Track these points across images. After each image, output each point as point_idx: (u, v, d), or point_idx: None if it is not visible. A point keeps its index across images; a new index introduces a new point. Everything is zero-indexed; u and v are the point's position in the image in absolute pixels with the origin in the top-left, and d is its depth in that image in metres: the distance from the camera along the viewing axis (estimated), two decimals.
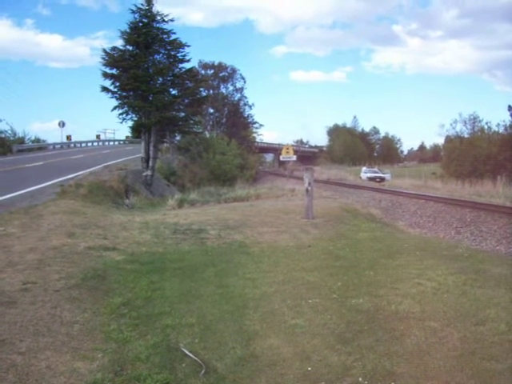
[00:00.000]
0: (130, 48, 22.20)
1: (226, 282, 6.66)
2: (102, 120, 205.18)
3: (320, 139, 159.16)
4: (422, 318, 5.25)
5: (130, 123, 23.98)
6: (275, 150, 79.09)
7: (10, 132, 40.23)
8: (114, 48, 22.16)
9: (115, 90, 22.10)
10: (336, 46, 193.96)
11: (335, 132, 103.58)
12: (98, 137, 66.42)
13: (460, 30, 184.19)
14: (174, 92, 23.66)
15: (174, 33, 22.72)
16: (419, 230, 14.44)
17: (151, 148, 22.55)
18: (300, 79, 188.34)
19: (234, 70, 69.02)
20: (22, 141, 41.06)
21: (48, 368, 3.84)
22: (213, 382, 3.91)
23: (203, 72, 64.02)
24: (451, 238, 13.17)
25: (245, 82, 70.45)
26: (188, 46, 22.96)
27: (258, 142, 77.45)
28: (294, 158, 50.81)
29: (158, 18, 22.26)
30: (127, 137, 67.07)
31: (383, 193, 25.19)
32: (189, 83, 23.74)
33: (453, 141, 46.95)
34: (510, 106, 45.39)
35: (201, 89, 29.45)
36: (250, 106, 71.73)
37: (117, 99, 22.16)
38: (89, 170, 21.56)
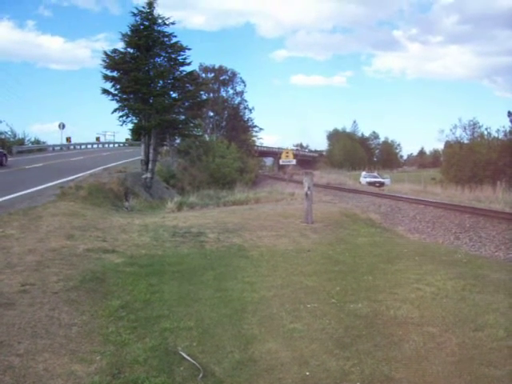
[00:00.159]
0: (131, 50, 22.24)
1: (225, 286, 6.65)
2: (102, 122, 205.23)
3: (320, 143, 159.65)
4: (421, 324, 5.25)
5: (130, 126, 24.05)
6: (275, 153, 79.17)
7: (10, 133, 40.37)
8: (114, 50, 22.22)
9: (116, 92, 22.14)
10: (336, 51, 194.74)
11: (335, 136, 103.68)
12: (97, 139, 66.58)
13: (460, 36, 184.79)
14: (174, 95, 23.71)
15: (175, 36, 22.80)
16: (418, 235, 14.44)
17: (151, 151, 22.56)
18: (300, 83, 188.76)
19: (234, 74, 69.21)
20: (21, 142, 41.14)
21: (46, 370, 3.84)
22: None
23: (204, 75, 64.17)
24: (450, 244, 13.18)
25: (245, 86, 70.70)
26: (189, 49, 23.05)
27: (257, 146, 77.48)
28: (294, 162, 50.79)
29: (159, 21, 22.31)
30: (127, 139, 67.16)
31: (382, 198, 25.19)
32: (189, 86, 23.79)
33: (452, 146, 46.95)
34: (509, 112, 45.46)
35: (201, 92, 29.47)
36: (250, 110, 71.91)
37: (117, 101, 22.22)
38: (88, 172, 21.56)
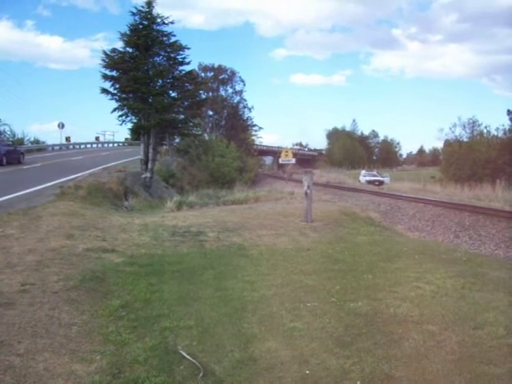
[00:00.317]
0: (130, 50, 22.22)
1: (225, 285, 6.65)
2: (101, 122, 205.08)
3: (319, 142, 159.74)
4: (421, 322, 5.26)
5: (130, 125, 24.05)
6: (274, 152, 79.18)
7: (9, 133, 40.31)
8: (113, 50, 22.19)
9: (115, 91, 22.12)
10: (336, 50, 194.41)
11: (334, 135, 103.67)
12: (97, 138, 66.52)
13: (459, 35, 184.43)
14: (173, 94, 23.69)
15: (174, 35, 22.78)
16: (418, 233, 14.43)
17: (150, 150, 22.55)
18: (300, 82, 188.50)
19: (233, 73, 69.21)
20: (21, 142, 41.06)
21: (46, 370, 3.84)
22: None
23: (203, 74, 64.11)
24: (450, 242, 13.17)
25: (244, 85, 70.68)
26: (188, 48, 23.02)
27: (257, 145, 77.50)
28: (293, 161, 50.76)
29: (158, 20, 22.28)
30: (126, 139, 67.12)
31: (382, 196, 25.18)
32: (188, 86, 23.76)
33: (452, 145, 46.95)
34: (509, 111, 45.52)
35: (200, 91, 29.47)
36: (250, 109, 71.93)
37: (116, 101, 22.20)
38: (88, 172, 21.56)
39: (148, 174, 22.29)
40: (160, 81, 22.79)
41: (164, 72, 22.47)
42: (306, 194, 13.03)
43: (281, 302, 5.98)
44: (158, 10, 22.64)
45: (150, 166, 22.42)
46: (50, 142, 49.12)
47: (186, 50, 22.91)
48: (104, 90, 21.93)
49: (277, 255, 8.80)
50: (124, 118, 22.32)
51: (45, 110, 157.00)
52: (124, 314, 5.30)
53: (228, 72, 68.93)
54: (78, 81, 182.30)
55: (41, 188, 15.16)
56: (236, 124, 67.06)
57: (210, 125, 65.31)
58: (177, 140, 41.64)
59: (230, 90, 69.88)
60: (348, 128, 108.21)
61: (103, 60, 21.66)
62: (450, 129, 48.23)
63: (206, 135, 54.54)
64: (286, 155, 43.90)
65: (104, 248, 8.32)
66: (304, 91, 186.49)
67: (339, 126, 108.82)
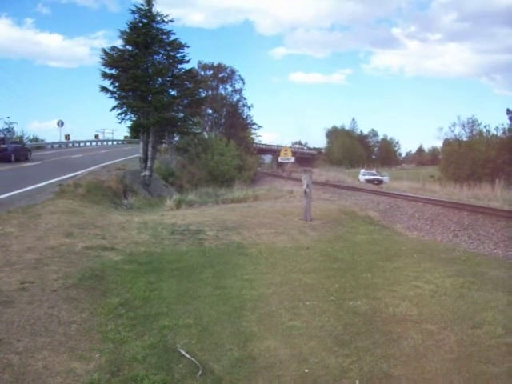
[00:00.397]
0: (130, 48, 22.24)
1: (224, 283, 6.66)
2: (100, 120, 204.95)
3: (318, 141, 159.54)
4: (420, 321, 5.26)
5: (129, 123, 24.04)
6: (273, 151, 79.08)
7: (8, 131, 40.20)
8: (113, 48, 22.23)
9: (114, 90, 22.15)
10: (335, 48, 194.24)
11: (334, 134, 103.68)
12: (96, 137, 66.42)
13: (459, 34, 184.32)
14: (173, 92, 23.71)
15: (174, 33, 22.82)
16: (417, 232, 14.46)
17: (150, 148, 22.55)
18: (299, 81, 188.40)
19: (233, 71, 69.15)
20: (20, 140, 41.02)
21: (45, 368, 3.84)
22: (210, 383, 3.91)
23: (202, 73, 64.06)
24: (449, 241, 13.20)
25: (244, 83, 70.63)
26: (187, 46, 23.04)
27: (256, 144, 77.45)
28: (293, 159, 50.61)
29: (158, 18, 22.32)
30: (126, 137, 67.09)
31: (381, 195, 25.21)
32: (188, 84, 23.77)
33: (451, 144, 46.91)
34: (508, 110, 45.51)
35: (200, 90, 29.46)
36: (249, 107, 71.88)
37: (116, 99, 22.21)
38: (87, 170, 21.55)
39: (147, 173, 22.29)
40: (159, 79, 22.81)
41: (163, 70, 22.48)
42: (305, 192, 13.04)
43: (280, 300, 5.98)
44: (157, 8, 22.80)
45: (149, 164, 22.43)
46: (49, 140, 49.21)
47: (185, 48, 22.98)
48: (103, 88, 21.94)
49: (276, 254, 8.81)
50: (123, 116, 22.38)
51: (44, 107, 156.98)
52: (123, 312, 5.30)
53: (227, 70, 68.89)
54: (77, 79, 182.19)
55: (40, 186, 15.13)
56: (235, 122, 67.01)
57: (210, 123, 65.26)
58: (176, 138, 41.61)
59: (230, 89, 69.88)
60: (347, 127, 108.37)
61: (103, 58, 21.71)
62: (450, 128, 48.20)
63: (205, 133, 54.50)
64: (286, 154, 43.86)
65: (103, 246, 8.32)
66: (303, 90, 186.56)
67: (338, 125, 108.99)
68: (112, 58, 21.72)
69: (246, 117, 72.19)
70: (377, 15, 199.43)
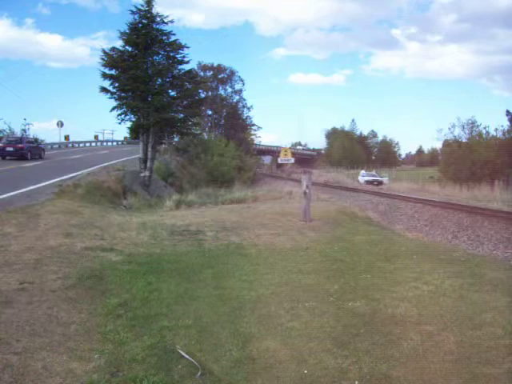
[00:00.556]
0: (130, 49, 22.20)
1: (223, 284, 6.66)
2: (100, 120, 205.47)
3: (318, 142, 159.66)
4: (419, 322, 5.26)
5: (129, 124, 24.03)
6: (273, 152, 79.12)
7: (8, 131, 40.30)
8: (113, 48, 22.18)
9: (114, 90, 22.10)
10: (335, 49, 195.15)
11: (333, 135, 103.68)
12: (96, 137, 66.48)
13: (459, 35, 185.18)
14: (172, 93, 23.66)
15: (174, 34, 22.77)
16: (416, 233, 14.44)
17: (149, 149, 22.53)
18: (299, 82, 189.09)
19: (232, 72, 68.96)
20: (35, 140, 41.02)
21: (44, 368, 3.84)
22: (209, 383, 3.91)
23: (202, 73, 63.88)
24: (448, 242, 13.19)
25: (243, 84, 70.44)
26: (187, 47, 22.99)
27: (256, 144, 77.42)
28: (292, 160, 50.86)
29: (158, 19, 22.27)
30: (125, 137, 67.09)
31: (381, 196, 25.21)
32: (188, 85, 23.72)
33: (451, 145, 46.81)
34: (507, 111, 45.55)
35: (199, 90, 29.42)
36: (249, 108, 71.66)
37: (116, 100, 22.16)
38: (87, 171, 21.55)
39: (147, 173, 22.27)
40: (159, 80, 22.78)
41: (163, 71, 22.45)
42: (304, 193, 13.04)
43: (279, 301, 5.98)
44: (157, 8, 22.78)
45: (148, 164, 22.40)
46: (48, 140, 49.09)
47: (185, 48, 22.93)
48: (103, 89, 21.91)
49: (275, 254, 8.81)
50: (123, 116, 22.31)
51: (44, 108, 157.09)
52: (122, 313, 5.30)
53: (227, 71, 68.73)
54: (77, 79, 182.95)
55: (40, 186, 15.13)
56: (235, 123, 66.88)
57: (209, 124, 65.17)
58: (176, 139, 41.58)
59: (230, 90, 69.67)
60: (347, 128, 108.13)
61: (103, 59, 21.65)
62: (449, 129, 47.94)
63: (205, 134, 54.47)
64: (285, 155, 43.93)
65: (102, 247, 8.32)
66: (303, 91, 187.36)
67: (338, 126, 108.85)
68: (112, 59, 21.69)
69: (246, 118, 72.07)
70: (377, 16, 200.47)
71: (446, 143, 49.55)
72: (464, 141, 45.57)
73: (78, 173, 20.22)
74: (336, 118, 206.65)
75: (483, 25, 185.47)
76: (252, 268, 7.66)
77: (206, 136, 52.77)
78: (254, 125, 74.51)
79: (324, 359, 4.34)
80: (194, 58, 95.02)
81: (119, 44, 22.63)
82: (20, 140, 29.64)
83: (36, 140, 35.37)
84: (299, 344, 4.68)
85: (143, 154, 22.72)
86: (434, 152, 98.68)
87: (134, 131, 25.42)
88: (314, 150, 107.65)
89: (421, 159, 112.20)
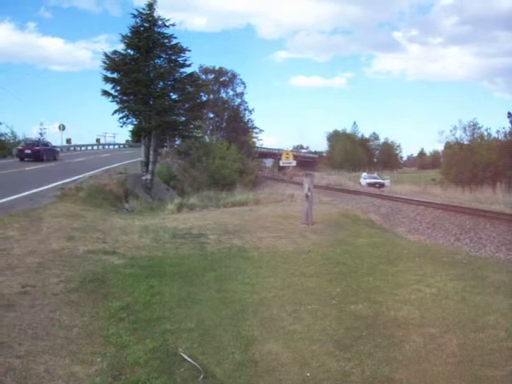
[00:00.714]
0: (131, 52, 22.26)
1: (225, 287, 6.65)
2: (102, 124, 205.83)
3: (320, 145, 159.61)
4: (421, 324, 5.25)
5: (131, 127, 24.07)
6: (275, 155, 79.11)
7: (10, 135, 40.55)
8: (115, 52, 22.23)
9: (116, 93, 22.16)
10: (336, 52, 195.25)
11: (335, 138, 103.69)
12: (97, 140, 66.55)
13: (460, 37, 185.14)
14: (174, 96, 23.72)
15: (175, 37, 22.83)
16: (418, 236, 14.43)
17: (151, 152, 22.57)
18: (300, 84, 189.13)
19: (234, 75, 69.07)
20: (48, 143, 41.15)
21: (46, 372, 3.84)
22: None
23: (204, 77, 63.98)
24: (450, 245, 13.18)
25: (245, 87, 70.50)
26: (189, 50, 23.07)
27: (257, 147, 77.43)
28: (294, 163, 50.88)
29: (159, 22, 22.33)
30: (127, 141, 67.15)
31: (383, 199, 25.19)
32: (189, 88, 23.77)
33: (452, 147, 46.84)
34: (509, 113, 45.41)
35: (201, 93, 29.46)
36: (250, 111, 71.74)
37: (117, 103, 22.21)
38: (88, 174, 21.58)
39: (148, 176, 22.30)
40: (161, 83, 22.83)
41: (165, 74, 22.50)
42: (306, 196, 13.04)
43: (281, 304, 5.97)
44: (159, 12, 22.82)
45: (150, 167, 22.43)
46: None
47: (186, 52, 23.01)
48: (105, 92, 21.97)
49: (277, 257, 8.80)
50: (125, 119, 22.37)
51: (46, 111, 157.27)
52: (125, 316, 5.29)
53: (229, 74, 68.83)
54: (79, 83, 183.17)
55: (42, 190, 15.16)
56: (237, 126, 66.94)
57: (211, 127, 65.21)
58: (177, 142, 41.62)
59: (231, 93, 69.77)
60: (349, 130, 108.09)
61: (104, 62, 21.71)
62: (451, 131, 47.96)
63: (206, 137, 54.51)
64: (287, 157, 43.92)
65: (104, 250, 8.32)
66: (305, 93, 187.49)
67: (340, 129, 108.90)
68: (114, 62, 21.74)
69: (248, 120, 72.12)
70: (378, 19, 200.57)
71: (448, 145, 49.58)
72: (466, 143, 45.60)
73: (80, 176, 20.25)
74: (338, 121, 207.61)
75: (484, 27, 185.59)
76: (254, 271, 7.65)
77: (207, 139, 52.82)
78: (255, 128, 74.63)
79: (326, 362, 4.34)
80: (196, 61, 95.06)
81: (121, 47, 22.68)
82: (37, 143, 32.42)
83: (49, 143, 36.77)
84: (301, 347, 4.67)
85: (145, 157, 22.75)
86: (435, 154, 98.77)
87: (136, 134, 25.42)
88: (315, 152, 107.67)
89: (422, 161, 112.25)
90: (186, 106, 24.08)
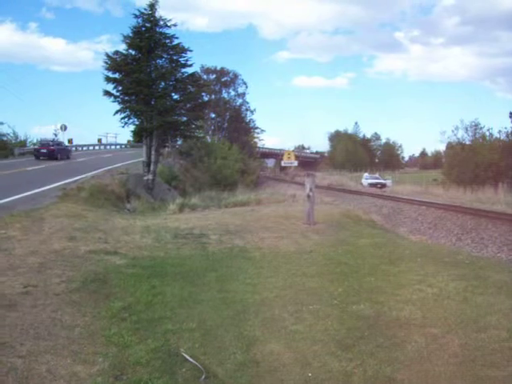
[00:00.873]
0: (133, 52, 22.26)
1: (227, 287, 6.65)
2: (103, 124, 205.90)
3: (321, 145, 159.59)
4: (423, 325, 5.25)
5: (132, 127, 24.12)
6: (276, 155, 79.11)
7: (11, 135, 40.67)
8: (116, 52, 22.22)
9: (117, 94, 22.17)
10: (338, 52, 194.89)
11: (336, 138, 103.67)
12: (99, 141, 66.64)
13: (462, 37, 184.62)
14: (176, 96, 23.71)
15: (177, 37, 22.84)
16: (420, 236, 14.41)
17: (153, 152, 22.57)
18: (302, 85, 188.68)
19: (235, 75, 69.06)
20: (23, 144, 41.36)
21: (48, 372, 3.84)
22: None
23: (205, 77, 63.94)
24: (452, 245, 13.16)
25: (247, 87, 70.50)
26: (190, 50, 23.06)
27: (259, 148, 77.43)
28: (296, 163, 50.83)
29: (161, 22, 22.33)
30: (129, 141, 67.23)
31: (384, 199, 25.17)
32: (191, 88, 23.77)
33: (454, 147, 46.71)
34: (511, 113, 45.31)
35: (203, 94, 29.46)
36: (252, 111, 71.72)
37: (119, 103, 22.23)
38: (90, 174, 21.59)
39: (150, 176, 22.30)
40: (162, 83, 22.83)
41: (166, 74, 22.51)
42: (308, 196, 13.03)
43: (283, 304, 5.97)
44: (160, 12, 22.76)
45: (152, 168, 22.43)
46: None
47: (188, 52, 23.00)
48: (107, 92, 21.98)
49: (279, 257, 8.80)
50: (126, 120, 22.38)
51: (47, 111, 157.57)
52: (126, 316, 5.30)
53: (230, 74, 68.81)
54: (80, 83, 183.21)
55: (43, 190, 15.18)
56: (238, 126, 66.92)
57: (213, 127, 65.20)
58: (179, 142, 41.64)
59: (233, 93, 69.75)
60: (350, 131, 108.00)
61: (106, 62, 21.73)
62: (453, 131, 47.81)
63: (208, 137, 54.50)
64: (289, 158, 43.91)
65: (106, 250, 8.33)
66: (306, 94, 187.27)
67: (341, 129, 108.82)
68: (115, 63, 21.76)
69: (249, 121, 72.11)
70: (380, 19, 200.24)
71: (450, 146, 49.48)
72: (467, 143, 45.49)
73: (82, 176, 20.27)
74: (339, 121, 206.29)
75: (486, 27, 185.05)
76: (256, 271, 7.65)
77: (209, 139, 52.77)
78: (257, 128, 74.67)
79: (328, 362, 4.33)
80: (197, 61, 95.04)
81: (122, 48, 22.63)
82: (51, 143, 34.40)
83: (62, 142, 39.18)
84: (303, 347, 4.67)
85: (146, 157, 22.76)
86: (437, 154, 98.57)
87: (138, 134, 25.53)
88: (317, 152, 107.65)
89: (424, 162, 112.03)
90: (188, 106, 24.08)
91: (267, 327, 5.18)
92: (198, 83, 25.36)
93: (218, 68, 67.89)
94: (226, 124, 67.31)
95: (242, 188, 29.28)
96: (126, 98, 22.33)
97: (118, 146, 67.31)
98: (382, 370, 4.18)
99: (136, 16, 22.14)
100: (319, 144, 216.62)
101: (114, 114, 22.20)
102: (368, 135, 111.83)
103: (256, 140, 76.05)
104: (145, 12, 22.12)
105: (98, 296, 5.92)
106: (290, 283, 6.97)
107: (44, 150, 32.86)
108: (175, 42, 22.71)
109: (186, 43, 23.57)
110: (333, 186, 37.89)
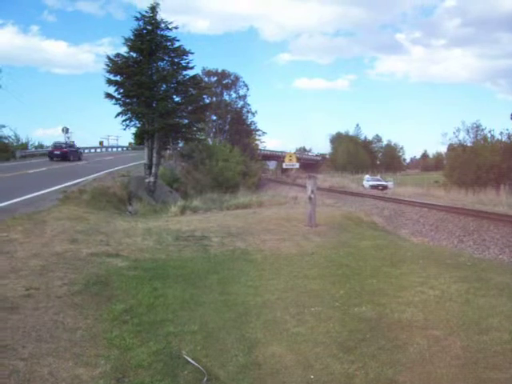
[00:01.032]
0: (134, 55, 22.29)
1: (229, 290, 6.65)
2: (105, 126, 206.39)
3: (323, 147, 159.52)
4: (425, 327, 5.24)
5: (134, 130, 24.13)
6: (278, 157, 79.15)
7: (13, 138, 40.74)
8: (117, 55, 22.27)
9: (119, 96, 22.18)
10: (339, 54, 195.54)
11: (338, 140, 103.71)
12: (101, 143, 66.77)
13: (463, 39, 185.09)
14: (177, 99, 23.72)
15: (178, 40, 22.86)
16: (422, 238, 14.41)
17: (154, 155, 22.59)
18: (303, 87, 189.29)
19: (237, 78, 69.14)
20: (25, 146, 41.50)
21: (50, 374, 3.84)
22: None
23: (206, 79, 64.02)
24: (454, 247, 13.16)
25: (248, 90, 70.57)
26: (192, 53, 23.08)
27: (260, 150, 77.50)
28: (297, 165, 50.80)
29: (162, 25, 22.36)
30: (130, 143, 67.33)
31: (386, 201, 25.18)
32: (192, 90, 23.80)
33: (456, 149, 46.72)
34: None
35: (204, 96, 29.50)
36: (253, 114, 71.80)
37: (120, 106, 22.25)
38: (92, 176, 21.63)
39: (152, 179, 22.31)
40: (164, 85, 22.85)
41: (168, 77, 22.53)
42: (309, 198, 13.03)
43: (285, 306, 5.97)
44: (162, 15, 22.79)
45: (153, 170, 22.44)
46: None
47: (189, 54, 23.01)
48: (108, 95, 22.01)
49: (281, 260, 8.80)
50: (128, 122, 22.40)
51: (49, 114, 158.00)
52: (128, 319, 5.30)
53: (232, 77, 68.89)
54: (82, 85, 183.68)
55: (45, 192, 15.19)
56: (240, 129, 66.96)
57: (214, 129, 65.27)
58: (181, 144, 41.68)
59: (234, 95, 69.82)
60: (351, 132, 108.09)
61: (107, 65, 21.76)
62: (454, 133, 47.82)
63: (209, 140, 54.55)
64: (290, 160, 43.95)
65: (108, 252, 8.33)
66: (307, 96, 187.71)
67: (343, 131, 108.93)
68: (117, 65, 21.79)
69: (251, 123, 72.18)
70: (381, 21, 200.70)
71: (451, 147, 49.48)
72: (469, 145, 45.49)
73: (84, 179, 20.31)
74: (340, 123, 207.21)
75: (487, 29, 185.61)
76: (257, 273, 7.65)
77: (210, 141, 52.79)
78: (258, 130, 74.83)
79: (330, 364, 4.33)
80: (199, 63, 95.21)
81: (124, 50, 22.69)
82: (64, 145, 37.51)
83: (73, 144, 41.80)
84: (305, 349, 4.67)
85: (148, 159, 22.78)
86: (438, 156, 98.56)
87: (139, 137, 25.53)
88: (318, 154, 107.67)
89: (426, 163, 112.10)
90: (189, 108, 24.12)
91: (269, 329, 5.18)
92: (199, 85, 25.38)
93: (220, 70, 68.03)
94: (227, 126, 67.37)
95: (244, 190, 29.29)
96: (128, 100, 22.37)
97: (119, 149, 67.46)
98: (383, 372, 4.17)
99: (137, 19, 22.19)
100: (320, 146, 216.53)
101: (116, 117, 22.25)
102: (369, 137, 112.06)
103: (257, 142, 76.20)
104: (146, 15, 22.17)
105: (99, 298, 5.92)
106: (291, 285, 6.97)
107: (57, 152, 35.36)
108: (176, 44, 22.75)
109: (187, 46, 23.75)
110: (334, 188, 37.92)
